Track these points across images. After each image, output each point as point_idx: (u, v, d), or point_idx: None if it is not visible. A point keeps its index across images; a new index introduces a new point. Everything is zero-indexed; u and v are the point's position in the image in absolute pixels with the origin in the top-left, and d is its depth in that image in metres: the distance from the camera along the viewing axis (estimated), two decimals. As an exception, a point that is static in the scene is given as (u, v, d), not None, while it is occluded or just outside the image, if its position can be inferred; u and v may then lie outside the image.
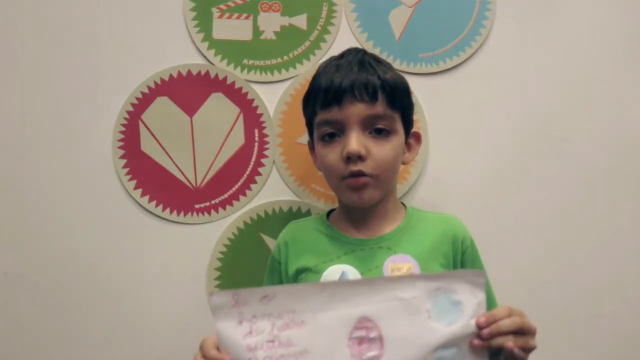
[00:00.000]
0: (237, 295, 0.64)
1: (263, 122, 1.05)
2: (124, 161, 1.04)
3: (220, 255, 1.05)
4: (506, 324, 0.64)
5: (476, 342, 0.63)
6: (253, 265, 1.04)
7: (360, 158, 0.78)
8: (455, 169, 1.05)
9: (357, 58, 0.84)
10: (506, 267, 1.00)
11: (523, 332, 0.65)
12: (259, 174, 1.05)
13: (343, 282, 0.74)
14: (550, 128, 1.05)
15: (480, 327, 0.63)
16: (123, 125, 1.04)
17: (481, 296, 0.65)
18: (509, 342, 0.63)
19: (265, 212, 1.05)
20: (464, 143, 1.05)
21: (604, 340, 1.04)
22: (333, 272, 0.81)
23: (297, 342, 0.64)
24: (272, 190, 1.05)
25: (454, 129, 1.05)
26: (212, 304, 0.64)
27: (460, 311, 0.64)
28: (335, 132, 0.81)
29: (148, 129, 1.04)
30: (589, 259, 1.05)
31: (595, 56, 1.05)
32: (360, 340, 0.64)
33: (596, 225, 1.05)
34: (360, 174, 0.79)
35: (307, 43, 1.05)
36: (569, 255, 1.05)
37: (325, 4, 1.04)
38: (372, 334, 0.64)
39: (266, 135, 1.05)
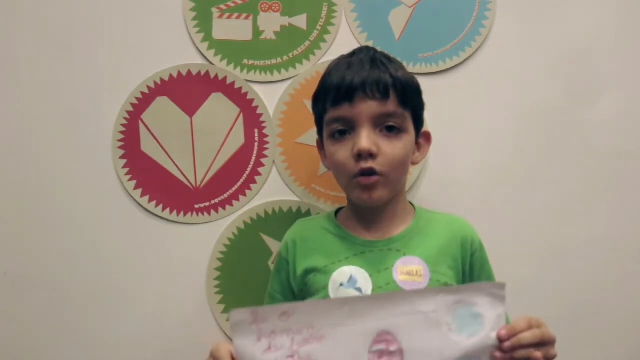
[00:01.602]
0: (256, 313, 0.63)
1: (263, 122, 1.05)
2: (124, 161, 1.04)
3: (220, 255, 1.05)
4: (527, 336, 0.64)
5: (498, 355, 0.63)
6: (253, 266, 1.04)
7: (371, 155, 0.78)
8: (456, 168, 1.05)
9: (368, 56, 0.83)
10: (507, 266, 1.00)
11: (543, 343, 0.65)
12: (259, 174, 1.05)
13: (363, 297, 0.73)
14: (550, 127, 1.05)
15: (501, 340, 0.63)
16: (123, 125, 1.04)
17: (501, 309, 0.64)
18: (536, 354, 0.63)
19: (265, 212, 1.05)
20: (464, 143, 1.05)
21: (605, 339, 1.05)
22: (342, 273, 0.81)
23: (317, 357, 0.63)
24: (272, 190, 1.05)
25: (454, 129, 1.05)
26: (231, 321, 0.63)
27: (480, 324, 0.64)
28: (346, 130, 0.81)
29: (148, 129, 1.04)
30: (591, 258, 1.05)
31: (595, 56, 1.05)
32: (381, 354, 0.64)
33: (597, 224, 1.05)
34: (371, 171, 0.78)
35: (307, 43, 1.05)
36: (570, 254, 1.05)
37: (325, 4, 1.04)
38: (392, 347, 0.64)
39: (266, 135, 1.05)
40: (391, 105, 0.79)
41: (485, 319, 0.64)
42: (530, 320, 0.66)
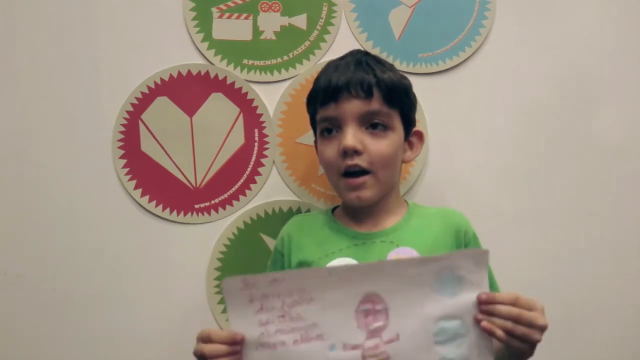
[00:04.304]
0: (247, 280, 0.67)
1: (263, 122, 1.05)
2: (124, 161, 1.04)
3: (220, 255, 1.05)
4: (501, 309, 0.65)
5: (479, 316, 0.66)
6: (253, 265, 1.04)
7: (356, 152, 0.80)
8: (455, 168, 1.05)
9: (355, 58, 0.86)
10: (507, 266, 1.00)
11: (521, 322, 0.65)
12: (259, 174, 1.05)
13: (349, 267, 0.74)
14: (549, 127, 1.05)
15: (480, 303, 0.66)
16: (123, 125, 1.04)
17: (484, 273, 0.67)
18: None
19: (265, 212, 1.05)
20: (463, 143, 1.05)
21: (604, 339, 1.05)
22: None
23: (307, 316, 0.67)
24: (272, 190, 1.05)
25: (454, 129, 1.05)
26: (224, 290, 0.66)
27: (462, 285, 0.66)
28: (333, 128, 0.84)
29: (148, 129, 1.04)
30: (589, 257, 1.05)
31: (595, 56, 1.05)
32: (367, 313, 0.67)
33: (596, 223, 1.05)
34: (357, 167, 0.81)
35: (307, 43, 1.05)
36: (568, 253, 1.05)
37: (325, 4, 1.04)
38: (378, 306, 0.67)
39: (266, 135, 1.05)
40: (375, 104, 0.82)
41: (468, 281, 0.66)
42: (519, 298, 0.66)
